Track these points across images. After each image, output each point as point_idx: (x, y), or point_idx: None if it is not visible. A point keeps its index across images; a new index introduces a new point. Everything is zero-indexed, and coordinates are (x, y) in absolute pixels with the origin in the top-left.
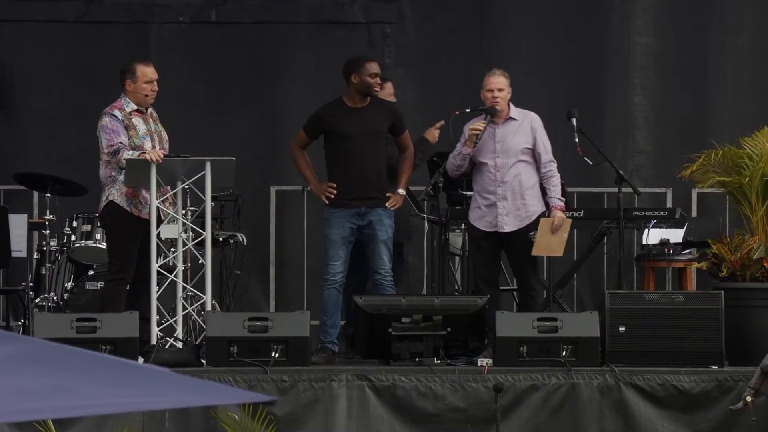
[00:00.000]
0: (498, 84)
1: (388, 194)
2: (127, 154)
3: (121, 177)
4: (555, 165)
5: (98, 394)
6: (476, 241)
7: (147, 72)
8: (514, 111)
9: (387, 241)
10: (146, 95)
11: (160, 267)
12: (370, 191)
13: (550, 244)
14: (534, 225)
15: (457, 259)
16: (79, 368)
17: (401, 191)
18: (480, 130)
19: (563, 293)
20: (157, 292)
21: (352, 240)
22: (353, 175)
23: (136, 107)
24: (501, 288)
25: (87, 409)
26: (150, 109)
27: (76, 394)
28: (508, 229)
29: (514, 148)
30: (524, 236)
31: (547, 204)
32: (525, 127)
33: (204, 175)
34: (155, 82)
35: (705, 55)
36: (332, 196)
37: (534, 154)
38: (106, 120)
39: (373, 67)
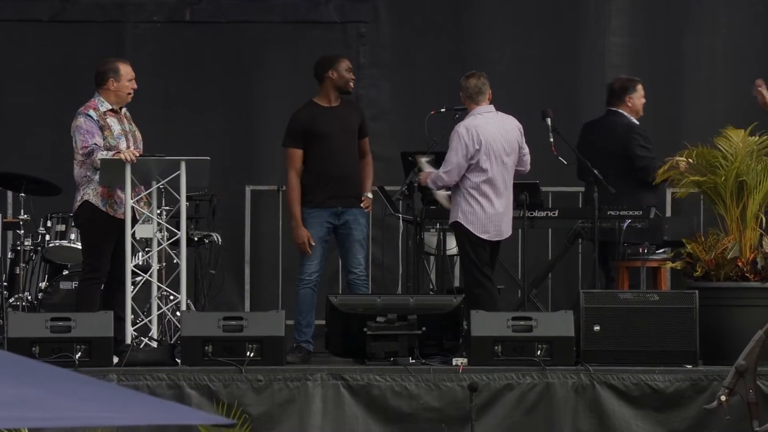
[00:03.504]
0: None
1: (365, 197)
2: (102, 155)
3: (97, 177)
4: (442, 170)
5: (59, 408)
6: None
7: (129, 70)
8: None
9: (362, 241)
10: (128, 93)
11: (134, 267)
12: (346, 190)
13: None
14: (452, 228)
15: (432, 258)
16: (43, 381)
17: (370, 195)
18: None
19: (538, 292)
20: (132, 291)
21: (328, 239)
22: (331, 174)
23: (110, 107)
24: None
25: (48, 422)
26: (124, 109)
27: (38, 406)
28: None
29: None
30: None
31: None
32: None
33: (179, 175)
34: (134, 80)
35: (679, 56)
36: (309, 252)
37: None
38: (80, 120)
39: (348, 63)
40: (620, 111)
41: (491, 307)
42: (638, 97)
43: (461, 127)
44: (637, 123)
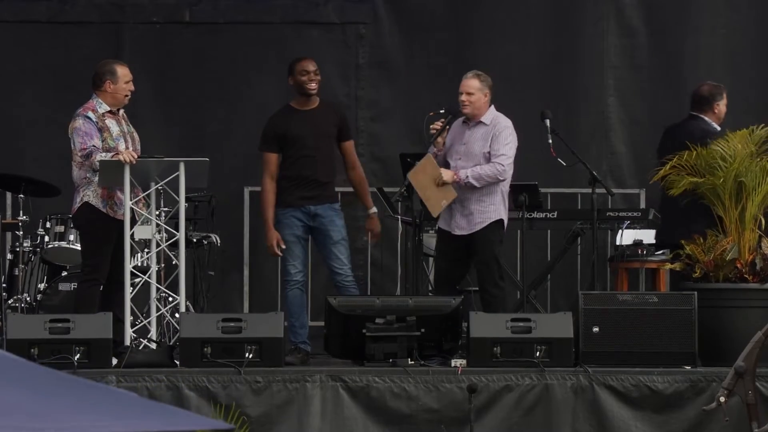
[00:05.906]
0: (467, 87)
1: (372, 215)
2: (100, 156)
3: (96, 178)
4: (504, 164)
5: (56, 417)
6: (440, 241)
7: (126, 72)
8: (488, 115)
9: (342, 241)
10: (126, 95)
11: (134, 268)
12: (319, 191)
13: (427, 186)
14: (487, 229)
15: (431, 260)
16: (41, 387)
17: (373, 209)
18: (436, 129)
19: (537, 294)
20: (131, 293)
21: (307, 238)
22: (302, 176)
23: (108, 108)
24: (468, 289)
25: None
26: (121, 111)
27: (33, 415)
28: (459, 232)
29: (475, 152)
30: (478, 239)
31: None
32: (488, 133)
33: (178, 176)
34: (131, 82)
35: (678, 56)
36: (279, 254)
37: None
38: (79, 122)
39: (305, 65)
40: (702, 116)
41: (505, 310)
42: (724, 104)
43: (507, 121)
44: (719, 129)
